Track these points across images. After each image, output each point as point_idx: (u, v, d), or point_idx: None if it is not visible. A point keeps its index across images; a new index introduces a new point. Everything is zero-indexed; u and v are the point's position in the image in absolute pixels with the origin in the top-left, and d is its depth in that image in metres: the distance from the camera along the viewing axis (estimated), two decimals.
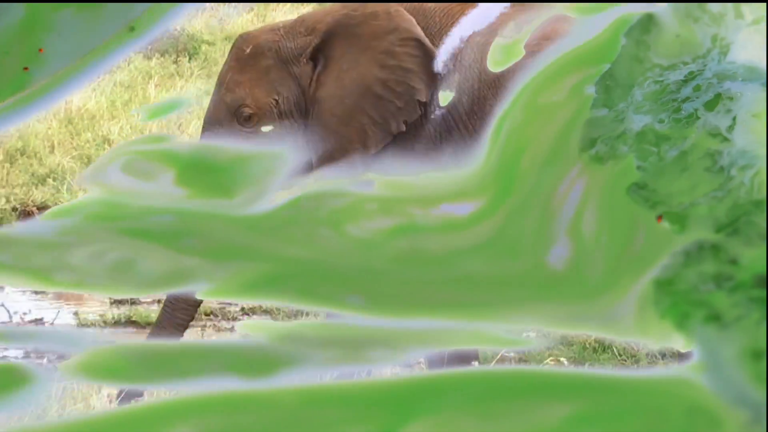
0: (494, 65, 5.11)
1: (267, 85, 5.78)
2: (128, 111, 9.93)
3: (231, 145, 5.69)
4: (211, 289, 4.44)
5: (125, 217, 4.68)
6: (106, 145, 9.49)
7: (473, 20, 5.54)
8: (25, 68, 4.44)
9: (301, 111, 5.80)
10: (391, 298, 4.01)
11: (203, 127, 5.90)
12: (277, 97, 5.79)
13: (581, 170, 3.21)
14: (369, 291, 4.08)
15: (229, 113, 5.80)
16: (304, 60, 5.77)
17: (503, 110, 4.42)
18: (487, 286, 3.78)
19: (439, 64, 5.58)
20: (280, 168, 5.00)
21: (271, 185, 4.84)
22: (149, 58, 10.20)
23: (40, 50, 4.38)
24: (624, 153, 1.56)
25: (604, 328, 3.32)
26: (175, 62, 10.63)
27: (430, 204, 4.25)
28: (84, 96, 9.84)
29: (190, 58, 10.30)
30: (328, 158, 5.73)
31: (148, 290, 4.82)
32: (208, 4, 8.73)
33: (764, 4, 1.67)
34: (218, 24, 10.03)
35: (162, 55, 10.28)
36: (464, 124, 5.33)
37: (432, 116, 5.53)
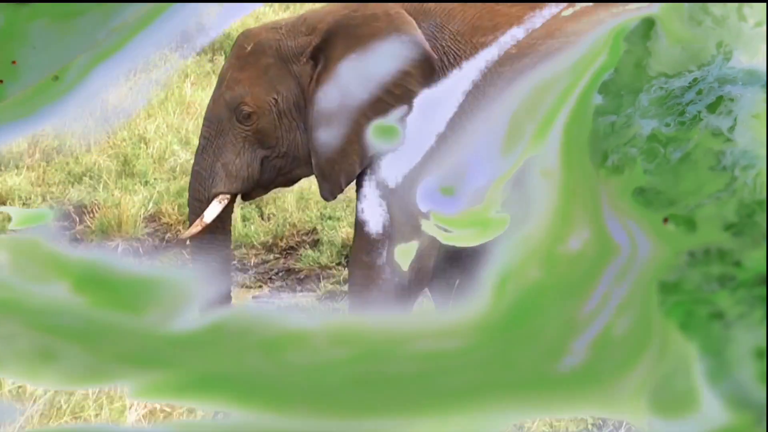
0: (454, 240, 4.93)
1: (266, 84, 5.75)
2: (164, 110, 9.96)
3: (127, 263, 5.60)
4: (142, 389, 4.31)
5: (26, 311, 4.54)
6: (142, 144, 9.54)
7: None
8: (0, 81, 4.41)
9: (300, 110, 5.76)
10: (344, 407, 3.88)
11: (203, 124, 5.89)
12: (276, 96, 5.76)
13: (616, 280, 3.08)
14: (317, 403, 3.96)
15: (229, 111, 5.78)
16: (305, 59, 5.73)
17: (508, 261, 4.11)
18: (471, 392, 3.65)
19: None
20: (187, 295, 4.82)
21: (180, 311, 4.66)
22: (185, 57, 10.23)
23: (13, 62, 4.34)
24: (634, 156, 1.52)
25: (602, 410, 3.21)
26: (211, 60, 10.66)
27: (402, 343, 4.07)
28: (120, 94, 9.88)
29: (226, 57, 10.31)
30: (326, 159, 5.69)
31: (71, 385, 4.69)
32: (245, 3, 8.70)
33: (764, 5, 1.61)
34: (255, 23, 10.02)
35: (198, 53, 10.30)
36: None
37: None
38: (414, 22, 5.60)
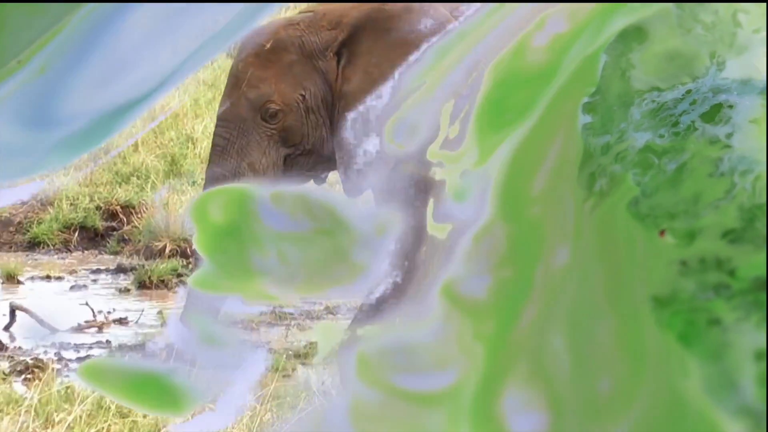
0: None
1: (292, 81, 5.65)
2: (212, 110, 9.94)
3: None
4: None
5: None
6: (189, 144, 9.54)
7: None
8: None
9: (327, 106, 5.66)
10: None
11: (219, 124, 5.80)
12: (303, 93, 5.65)
13: None
14: None
15: (253, 110, 5.68)
16: (331, 54, 5.63)
17: None
18: None
19: None
20: None
21: None
22: (232, 57, 10.19)
23: None
24: (620, 172, 1.44)
25: None
26: None
27: None
28: (167, 95, 9.87)
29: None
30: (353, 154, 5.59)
31: None
32: (291, 4, 8.64)
33: (763, 7, 1.52)
34: None
35: None
36: None
37: None
38: (449, 14, 5.47)
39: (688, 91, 1.25)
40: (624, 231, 1.03)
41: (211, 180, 5.80)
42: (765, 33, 1.19)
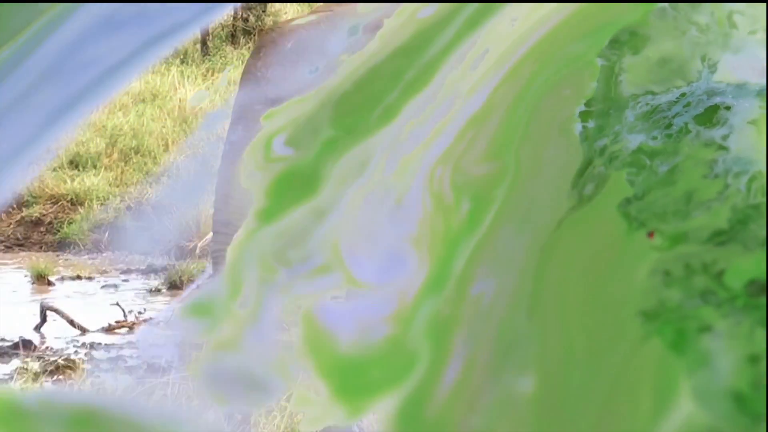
0: None
1: (314, 80, 5.61)
2: None
3: None
4: None
5: None
6: (220, 144, 9.51)
7: None
8: None
9: None
10: None
11: (234, 121, 5.76)
12: None
13: None
14: None
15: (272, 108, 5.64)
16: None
17: None
18: None
19: None
20: None
21: None
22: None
23: None
24: (603, 173, 1.38)
25: None
26: None
27: None
28: (198, 95, 9.85)
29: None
30: None
31: None
32: (317, 5, 8.62)
33: (761, 5, 1.46)
34: None
35: None
36: None
37: None
38: None
39: (683, 94, 1.19)
40: (608, 235, 0.96)
41: (224, 177, 5.78)
42: (761, 34, 1.13)
